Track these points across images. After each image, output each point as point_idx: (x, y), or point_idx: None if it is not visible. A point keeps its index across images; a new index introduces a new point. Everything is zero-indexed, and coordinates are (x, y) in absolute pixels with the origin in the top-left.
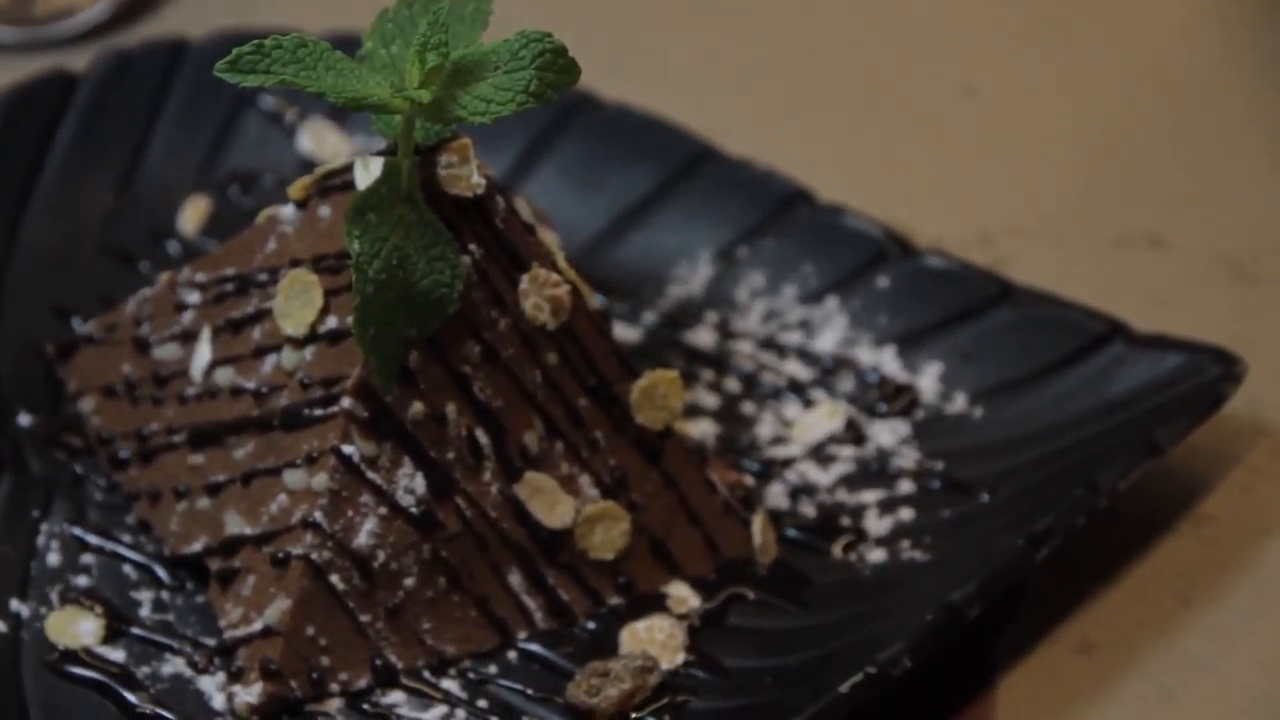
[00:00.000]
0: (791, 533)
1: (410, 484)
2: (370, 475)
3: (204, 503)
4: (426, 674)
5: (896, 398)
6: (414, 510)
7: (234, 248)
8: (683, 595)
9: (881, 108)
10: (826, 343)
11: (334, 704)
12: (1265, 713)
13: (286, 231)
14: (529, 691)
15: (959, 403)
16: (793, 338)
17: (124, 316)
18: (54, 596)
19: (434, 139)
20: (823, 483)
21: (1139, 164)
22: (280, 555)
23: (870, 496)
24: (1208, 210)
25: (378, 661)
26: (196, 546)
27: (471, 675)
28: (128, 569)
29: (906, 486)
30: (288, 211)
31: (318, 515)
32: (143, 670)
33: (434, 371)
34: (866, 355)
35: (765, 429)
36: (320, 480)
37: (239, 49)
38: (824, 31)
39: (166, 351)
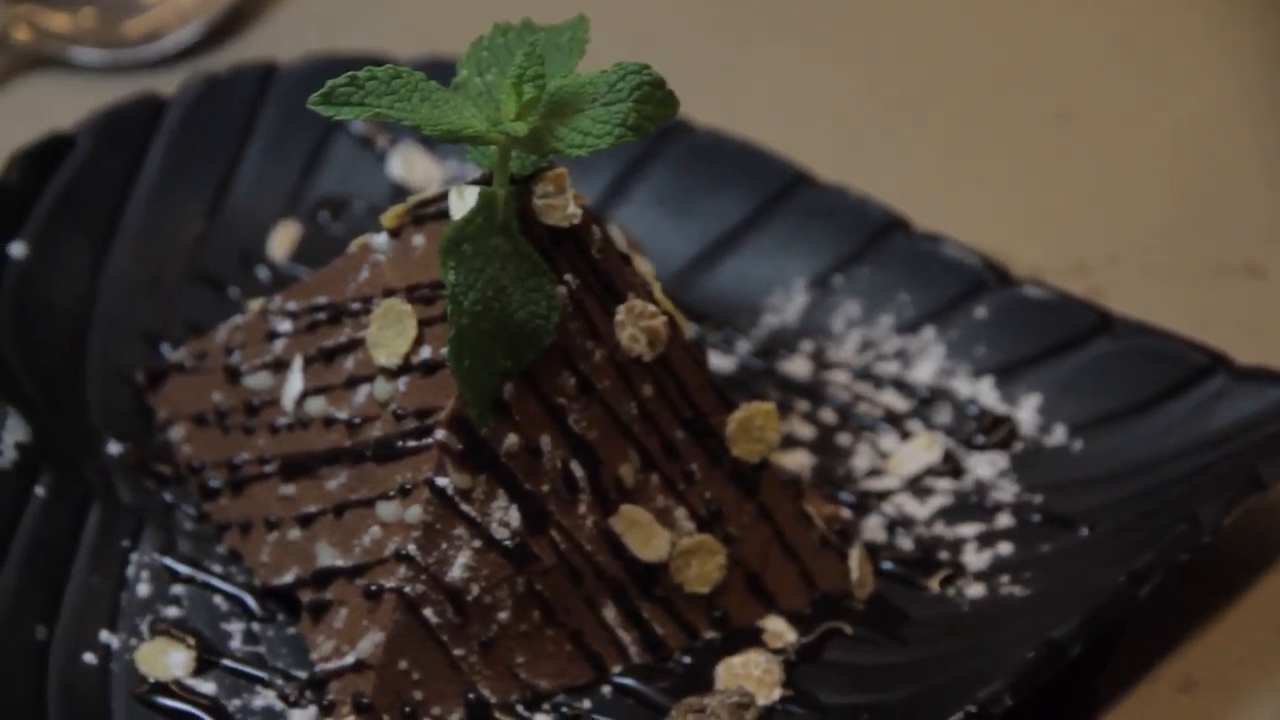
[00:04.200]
0: (888, 566)
1: (505, 517)
2: (464, 508)
3: (295, 534)
4: (520, 709)
5: (994, 430)
6: (508, 543)
7: (326, 276)
8: (779, 629)
9: (977, 134)
10: (923, 373)
11: None
12: None
13: (380, 260)
14: None
15: (1058, 435)
16: (889, 368)
17: (214, 344)
18: (144, 627)
19: (530, 168)
20: (920, 516)
21: (1237, 192)
22: (373, 588)
23: (968, 530)
24: None
25: (471, 696)
26: (288, 578)
27: (565, 710)
28: (218, 600)
29: (1005, 520)
30: (381, 240)
31: (411, 548)
32: (233, 703)
33: (529, 403)
34: (964, 386)
35: (861, 461)
36: (414, 513)
37: (332, 81)
38: (919, 57)
39: (258, 380)
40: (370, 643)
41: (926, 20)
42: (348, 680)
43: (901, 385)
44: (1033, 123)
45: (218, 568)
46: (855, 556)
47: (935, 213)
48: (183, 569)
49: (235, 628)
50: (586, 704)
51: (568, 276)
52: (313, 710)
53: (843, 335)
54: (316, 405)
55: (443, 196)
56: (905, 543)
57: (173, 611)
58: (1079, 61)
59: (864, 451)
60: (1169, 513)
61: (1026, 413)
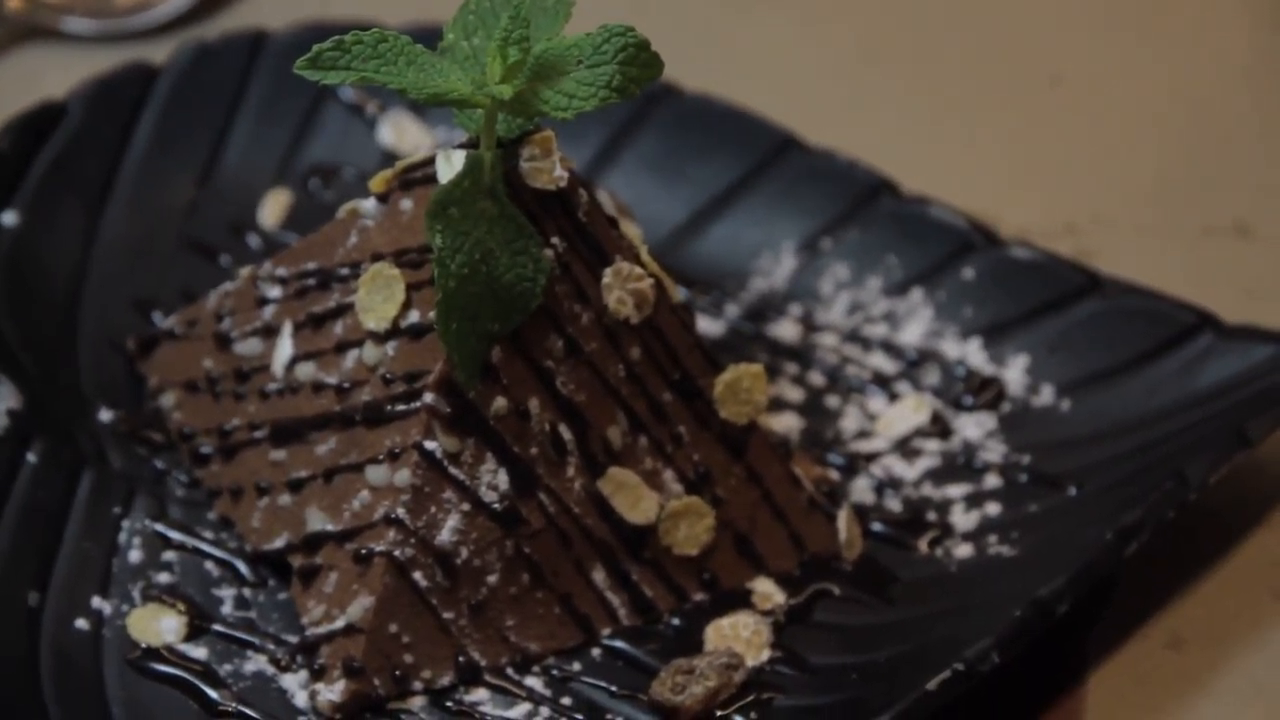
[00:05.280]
0: (877, 528)
1: (493, 480)
2: (453, 471)
3: (286, 499)
4: (510, 671)
5: (982, 391)
6: (497, 506)
7: (315, 242)
8: (768, 591)
9: (967, 97)
10: (911, 335)
11: (417, 702)
12: None
13: (368, 225)
14: (613, 689)
15: (1046, 395)
16: (877, 330)
17: (205, 311)
18: (136, 593)
19: (516, 132)
20: (908, 477)
21: (1226, 153)
22: (363, 552)
23: (956, 491)
24: None
25: (461, 659)
26: (278, 543)
27: (555, 672)
28: (209, 566)
29: (993, 481)
30: (369, 205)
31: (400, 512)
32: (225, 668)
33: (517, 366)
34: (952, 348)
35: (850, 423)
36: (403, 476)
37: (319, 46)
38: (909, 20)
39: (248, 347)
40: (360, 607)
41: None
42: (338, 644)
43: (889, 347)
44: (1022, 85)
45: (209, 534)
46: (843, 518)
47: (925, 176)
48: (174, 535)
49: (226, 593)
50: (576, 666)
51: (554, 239)
52: (304, 674)
53: (831, 298)
54: (306, 371)
55: (430, 161)
56: (893, 504)
57: (164, 577)
58: (1068, 24)
59: (852, 413)
60: (1157, 471)
61: (1014, 373)
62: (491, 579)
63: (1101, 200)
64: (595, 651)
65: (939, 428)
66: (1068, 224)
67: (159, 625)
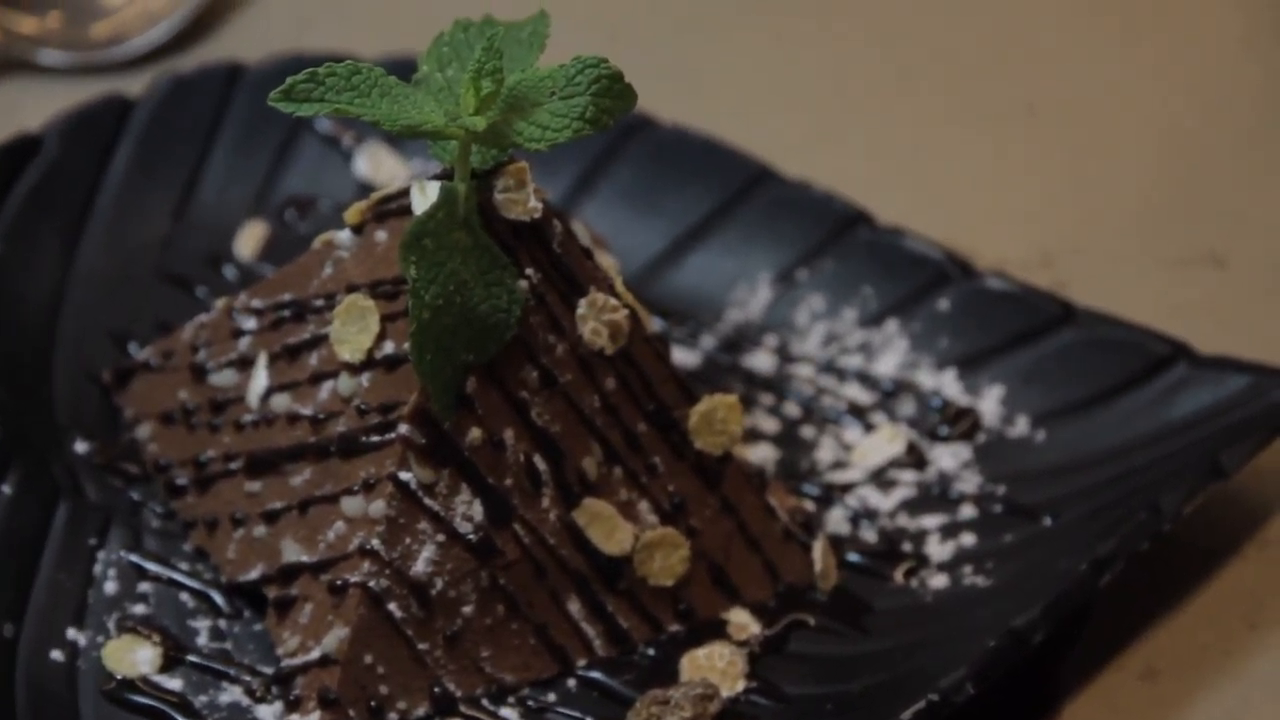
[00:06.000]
0: (852, 558)
1: (468, 511)
2: (428, 502)
3: (261, 530)
4: (485, 702)
5: (958, 421)
6: (472, 537)
7: (290, 273)
8: (743, 622)
9: (942, 127)
10: (887, 366)
11: None
12: None
13: (343, 257)
14: (588, 719)
15: (1021, 426)
16: (853, 361)
17: (180, 343)
18: (111, 625)
19: (491, 163)
20: (884, 507)
21: (1201, 183)
22: (338, 583)
23: (932, 521)
24: (1271, 229)
25: (436, 690)
26: (254, 574)
27: (531, 703)
28: (185, 597)
29: (968, 511)
30: (344, 237)
31: (375, 543)
32: (200, 699)
33: (492, 397)
34: (927, 378)
35: (825, 453)
36: (378, 507)
37: (293, 78)
38: (884, 50)
39: (223, 378)
40: (335, 638)
41: (891, 13)
42: (313, 675)
43: (865, 378)
44: (999, 116)
45: (184, 565)
46: (819, 548)
47: (901, 206)
48: (149, 566)
49: (202, 624)
50: (551, 697)
51: (529, 270)
52: (279, 706)
53: (807, 329)
54: (281, 402)
55: (405, 192)
56: (869, 534)
57: (140, 608)
58: (1044, 54)
59: (828, 444)
60: (1131, 501)
61: (989, 404)
62: (467, 610)
63: (1077, 231)
64: (570, 682)
65: (914, 458)
66: (1043, 254)
67: (134, 656)
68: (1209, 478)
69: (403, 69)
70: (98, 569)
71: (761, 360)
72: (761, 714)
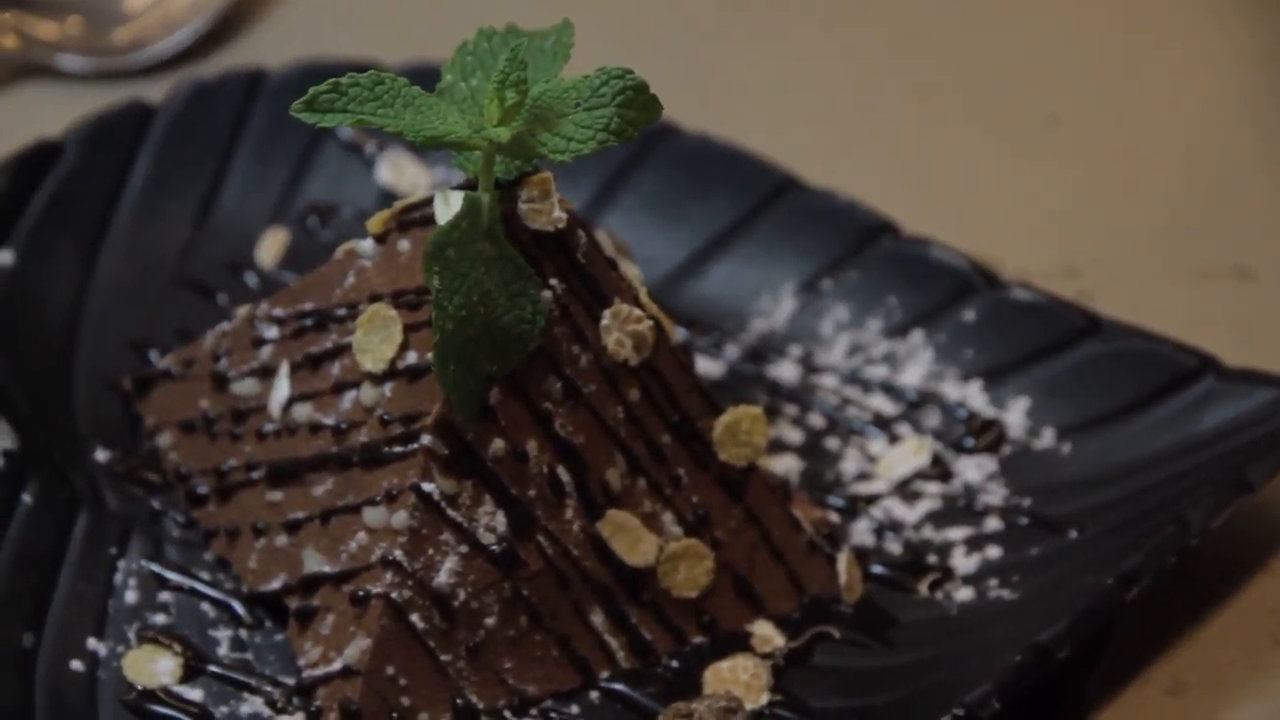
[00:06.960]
0: (877, 570)
1: (491, 522)
2: (450, 513)
3: (282, 540)
4: (507, 714)
5: (983, 433)
6: (495, 548)
7: (312, 282)
8: (767, 634)
9: (966, 138)
10: (912, 377)
11: None
12: None
13: (366, 266)
14: None
15: (1046, 438)
16: (877, 372)
17: (201, 351)
18: (131, 635)
19: (514, 173)
20: (908, 520)
21: (1226, 195)
22: (360, 594)
23: (957, 534)
24: None
25: (458, 701)
26: (275, 584)
27: (553, 715)
28: (206, 607)
29: (994, 524)
30: (367, 246)
31: (398, 553)
32: (221, 710)
33: (515, 408)
34: (952, 390)
35: (850, 465)
36: (400, 518)
37: (315, 89)
38: (908, 60)
39: (244, 387)
40: (357, 649)
41: (915, 23)
42: (335, 686)
43: (890, 389)
44: (1022, 126)
45: (205, 574)
46: (843, 560)
47: (925, 217)
48: (170, 576)
49: (223, 634)
50: (574, 709)
51: (553, 281)
52: (300, 716)
53: (831, 339)
54: (303, 411)
55: (428, 202)
56: (894, 547)
57: (160, 618)
58: (1068, 65)
59: (852, 455)
60: (1157, 515)
61: (1015, 416)
62: (489, 621)
63: (1101, 242)
64: (593, 694)
65: (939, 470)
66: (1067, 266)
67: (155, 667)
68: (1235, 491)
69: (425, 76)
70: (118, 578)
71: (786, 371)
72: None
